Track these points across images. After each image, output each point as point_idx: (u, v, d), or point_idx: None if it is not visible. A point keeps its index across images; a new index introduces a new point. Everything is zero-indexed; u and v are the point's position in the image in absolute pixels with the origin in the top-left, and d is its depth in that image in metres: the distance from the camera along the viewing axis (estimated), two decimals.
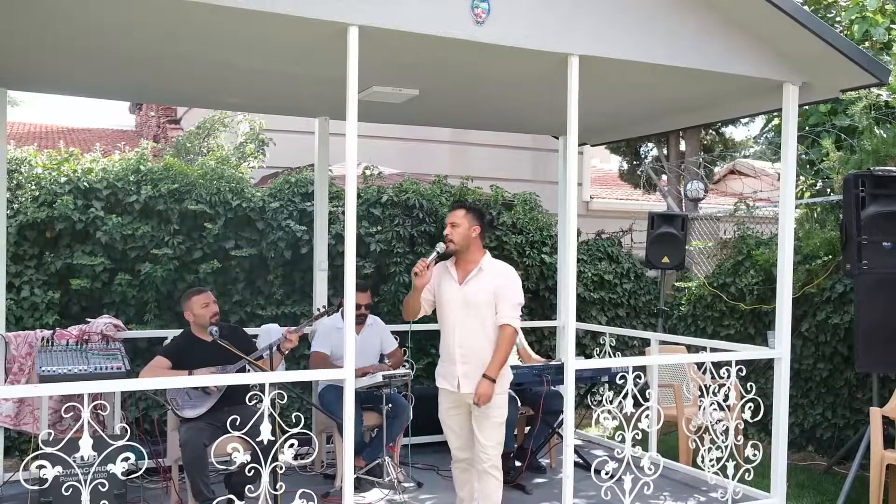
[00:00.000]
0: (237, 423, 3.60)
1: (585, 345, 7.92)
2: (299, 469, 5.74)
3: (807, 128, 7.57)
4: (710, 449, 4.82)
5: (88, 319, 5.44)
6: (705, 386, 4.95)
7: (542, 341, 7.73)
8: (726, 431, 4.85)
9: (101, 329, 5.22)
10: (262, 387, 3.64)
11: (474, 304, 4.12)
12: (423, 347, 7.11)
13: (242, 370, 4.59)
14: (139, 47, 4.18)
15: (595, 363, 5.24)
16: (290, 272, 6.97)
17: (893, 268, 5.40)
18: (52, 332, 5.17)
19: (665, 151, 10.86)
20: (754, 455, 4.87)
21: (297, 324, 6.08)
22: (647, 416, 4.55)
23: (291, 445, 3.68)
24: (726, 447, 4.83)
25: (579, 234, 8.50)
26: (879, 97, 6.51)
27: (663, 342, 6.25)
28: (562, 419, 5.99)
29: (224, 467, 4.47)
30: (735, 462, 4.83)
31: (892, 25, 7.31)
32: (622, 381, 4.54)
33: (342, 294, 5.84)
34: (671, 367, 6.35)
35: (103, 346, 5.07)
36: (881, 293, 5.40)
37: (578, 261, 8.30)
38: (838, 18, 7.66)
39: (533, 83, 4.79)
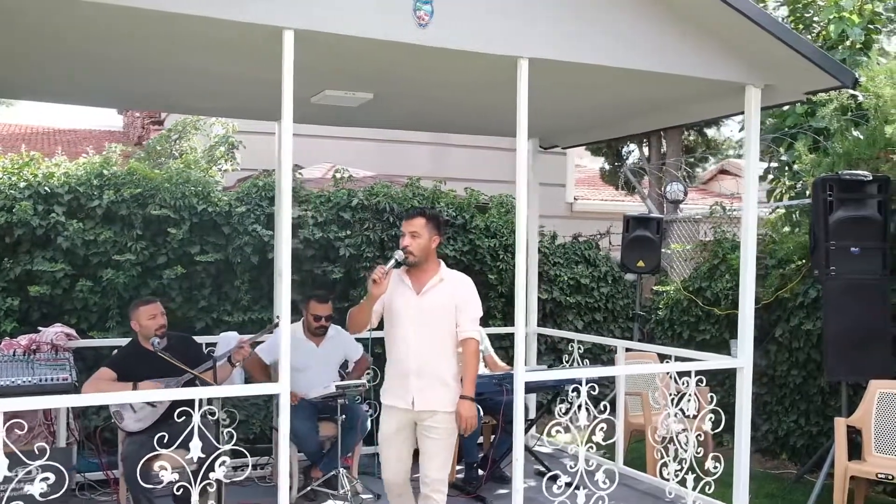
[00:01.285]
0: (164, 441, 3.49)
1: (562, 349, 7.81)
2: (258, 480, 5.66)
3: (786, 129, 7.45)
4: (667, 462, 4.71)
5: (40, 328, 5.34)
6: (671, 395, 4.84)
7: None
8: (692, 442, 4.74)
9: (52, 338, 5.12)
10: (193, 403, 3.53)
11: (432, 315, 3.94)
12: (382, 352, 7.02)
13: (191, 383, 4.49)
14: (81, 50, 4.09)
15: (546, 374, 5.12)
16: (257, 277, 6.86)
17: (861, 273, 5.30)
18: None
19: (646, 152, 10.75)
20: (715, 467, 4.75)
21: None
22: (601, 428, 4.42)
23: (223, 463, 3.56)
24: (686, 459, 4.72)
25: (555, 237, 8.39)
26: (853, 98, 6.38)
27: (630, 349, 6.13)
28: (529, 428, 5.95)
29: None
30: (695, 474, 4.72)
31: (869, 25, 7.19)
32: (575, 392, 4.42)
33: (304, 301, 5.80)
34: (640, 375, 6.24)
35: (52, 357, 4.97)
36: (849, 299, 5.30)
37: (554, 264, 8.20)
38: (816, 18, 7.54)
39: (487, 86, 4.68)
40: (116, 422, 4.49)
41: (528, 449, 5.78)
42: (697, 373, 4.76)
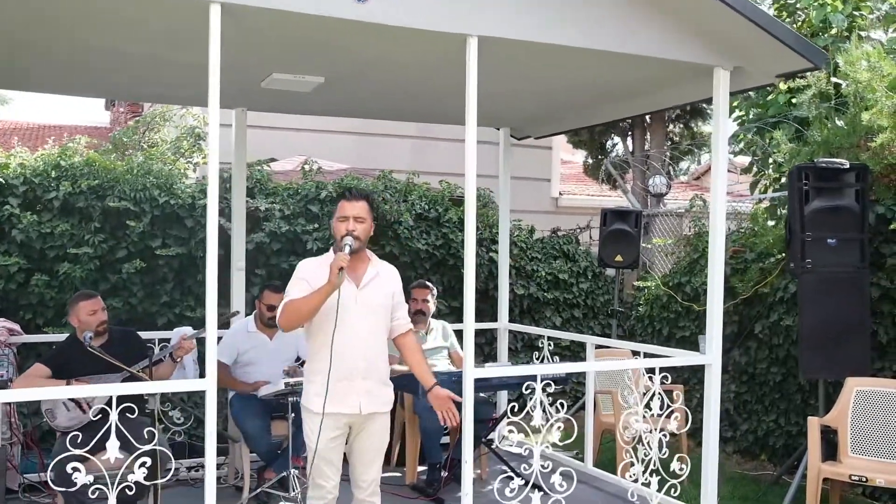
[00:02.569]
0: (78, 440, 3.28)
1: (540, 347, 7.59)
2: None
3: (768, 119, 7.22)
4: (633, 462, 4.50)
5: None
6: (638, 393, 4.63)
7: (492, 343, 7.41)
8: (657, 442, 4.53)
9: None
10: (114, 400, 3.33)
11: (373, 310, 3.62)
12: None
13: (132, 379, 4.28)
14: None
15: (499, 371, 4.89)
16: (221, 272, 6.62)
17: (838, 266, 5.06)
18: None
19: (630, 146, 10.52)
20: (681, 469, 4.53)
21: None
22: (559, 427, 4.21)
23: (143, 465, 3.36)
24: (648, 460, 4.50)
25: (532, 231, 8.18)
26: (836, 87, 6.15)
27: (601, 346, 5.91)
28: (493, 427, 5.74)
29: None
30: (660, 476, 4.50)
31: (854, 12, 6.94)
32: (528, 391, 4.20)
33: (259, 291, 5.60)
34: (610, 373, 6.02)
35: None
36: (825, 294, 5.06)
37: (532, 259, 7.98)
38: (798, 5, 7.30)
39: (441, 68, 4.46)
40: (49, 420, 4.28)
41: (492, 449, 5.58)
42: (662, 370, 4.54)
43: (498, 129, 6.52)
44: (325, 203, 7.03)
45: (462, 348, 5.97)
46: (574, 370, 5.36)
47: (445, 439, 5.68)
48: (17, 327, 5.18)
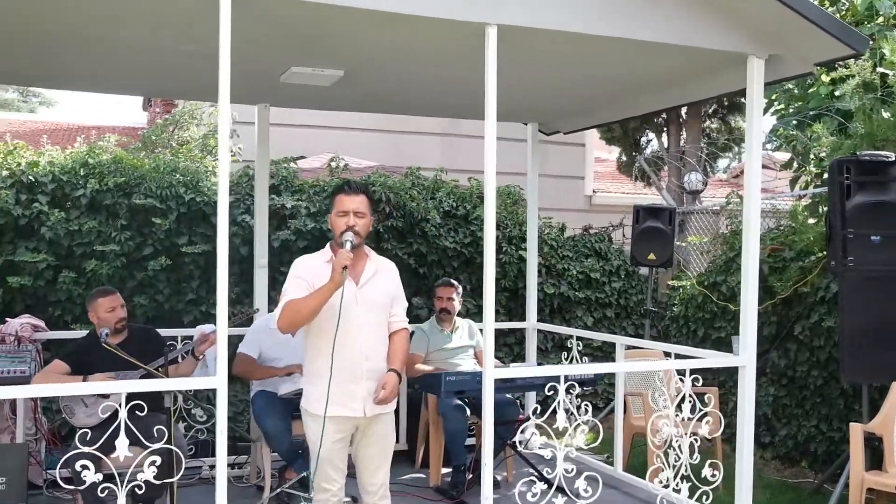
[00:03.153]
0: (88, 437, 3.22)
1: (570, 347, 7.43)
2: (234, 480, 5.39)
3: (809, 112, 6.96)
4: (661, 467, 4.33)
5: (6, 319, 5.15)
6: (668, 396, 4.46)
7: (522, 343, 7.27)
8: (690, 446, 4.35)
9: (16, 330, 4.92)
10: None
11: (374, 308, 3.51)
12: None
13: (149, 377, 4.24)
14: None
15: (521, 372, 4.75)
16: (247, 269, 6.60)
17: (882, 264, 4.82)
18: None
19: (665, 142, 10.26)
20: (713, 475, 4.34)
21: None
22: (582, 431, 4.05)
23: (153, 463, 3.29)
24: (678, 465, 4.32)
25: (563, 229, 8.00)
26: (883, 78, 5.88)
27: (632, 347, 5.73)
28: (518, 429, 5.58)
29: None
30: (690, 483, 4.32)
31: None
32: (552, 392, 4.05)
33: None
34: (642, 375, 5.84)
35: (14, 348, 4.77)
36: (868, 293, 4.82)
37: (563, 257, 7.81)
38: None
39: (461, 60, 4.33)
40: (67, 416, 4.25)
41: (517, 452, 5.43)
42: (695, 371, 4.36)
43: (526, 125, 6.37)
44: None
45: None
46: (601, 371, 5.19)
47: (471, 441, 5.55)
48: (41, 324, 5.18)
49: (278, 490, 4.91)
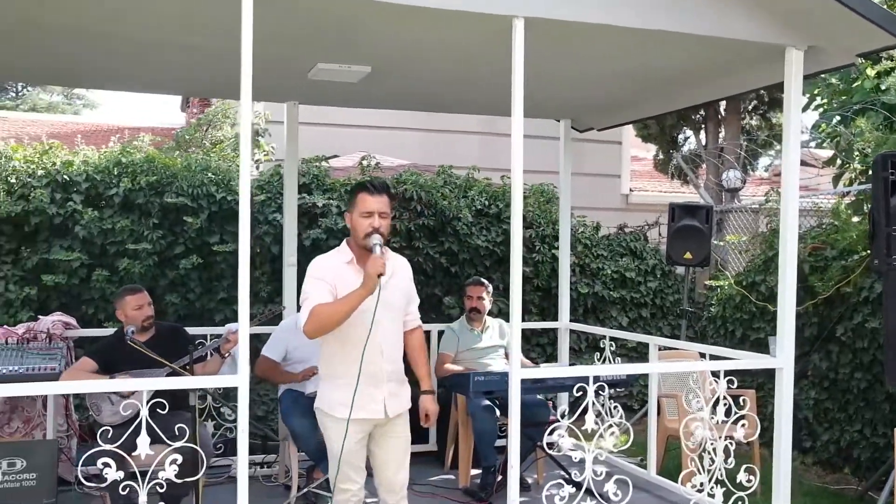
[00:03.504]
0: (108, 436, 3.21)
1: (604, 348, 7.31)
2: (263, 479, 5.39)
3: (852, 106, 6.74)
4: (694, 472, 4.20)
5: (39, 317, 5.20)
6: (700, 398, 4.34)
7: (555, 343, 7.16)
8: (725, 450, 4.23)
9: (48, 327, 4.96)
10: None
11: (394, 309, 3.44)
12: None
13: (175, 374, 4.23)
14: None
15: (549, 372, 4.65)
16: (278, 268, 6.60)
17: None
18: None
19: (703, 138, 10.04)
20: (749, 481, 4.21)
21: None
22: (612, 433, 3.95)
23: (174, 462, 3.27)
24: (712, 469, 4.19)
25: (598, 227, 7.88)
26: None
27: (668, 348, 5.59)
28: (547, 430, 5.48)
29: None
30: (725, 488, 4.19)
31: None
32: (580, 392, 3.95)
33: None
34: (676, 376, 5.70)
35: (45, 346, 4.81)
36: None
37: (597, 257, 7.68)
38: None
39: (489, 55, 4.25)
40: (94, 414, 4.27)
41: (548, 454, 5.33)
42: (731, 373, 4.23)
43: (558, 121, 6.27)
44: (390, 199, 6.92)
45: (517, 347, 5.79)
46: (632, 372, 5.05)
47: (501, 442, 5.46)
48: (73, 321, 5.22)
49: (305, 490, 4.88)
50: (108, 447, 3.19)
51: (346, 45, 4.21)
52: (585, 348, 7.41)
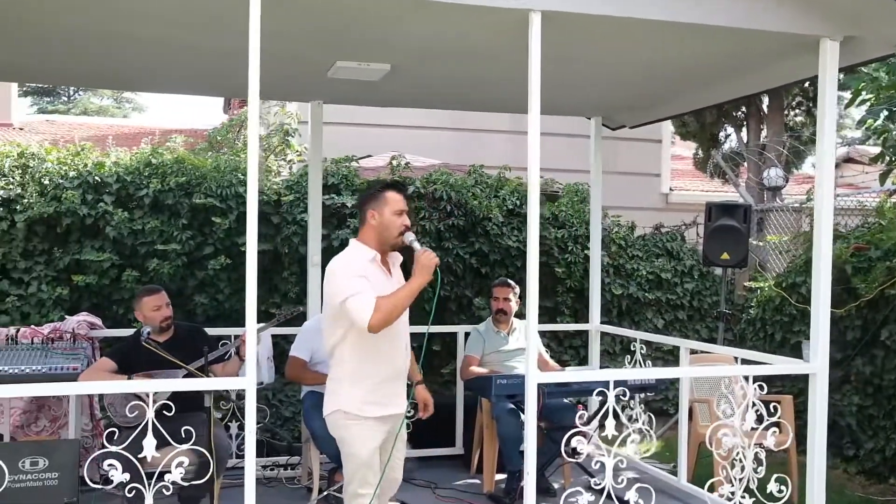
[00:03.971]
0: (115, 437, 3.19)
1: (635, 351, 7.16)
2: (286, 481, 5.36)
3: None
4: (721, 480, 4.04)
5: (66, 317, 5.25)
6: (737, 403, 4.17)
7: (588, 345, 7.02)
8: (751, 459, 4.06)
9: (73, 327, 4.99)
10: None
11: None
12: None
13: (194, 374, 4.22)
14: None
15: (568, 376, 4.52)
16: (307, 269, 6.59)
17: None
18: (16, 330, 4.97)
19: (745, 136, 9.75)
20: (780, 491, 4.03)
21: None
22: (632, 440, 3.81)
23: (180, 464, 3.23)
24: (742, 477, 4.03)
25: (633, 227, 7.70)
26: None
27: (701, 351, 5.41)
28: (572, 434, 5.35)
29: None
30: (754, 498, 4.02)
31: None
32: (601, 396, 3.82)
33: None
34: (709, 381, 5.52)
35: (69, 346, 4.84)
36: None
37: (632, 257, 7.51)
38: None
39: (510, 51, 4.13)
40: (111, 414, 4.27)
41: (567, 460, 5.19)
42: (759, 378, 4.06)
43: (589, 119, 6.12)
44: (412, 199, 6.85)
45: (544, 350, 5.67)
46: (657, 376, 4.90)
47: None
48: (98, 321, 5.25)
49: (325, 493, 4.83)
50: (113, 449, 3.17)
51: (363, 41, 4.14)
52: (620, 351, 7.24)
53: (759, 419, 4.09)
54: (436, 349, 6.75)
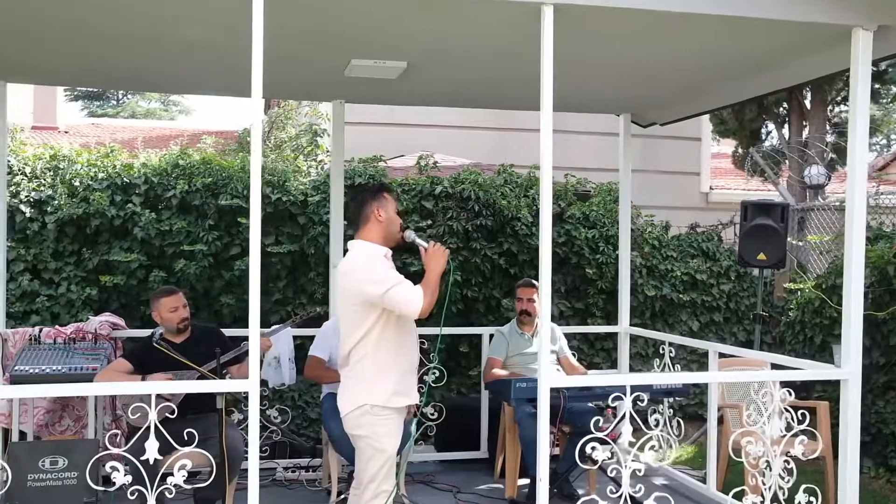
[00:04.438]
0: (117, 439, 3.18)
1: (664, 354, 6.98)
2: (307, 483, 5.32)
3: None
4: (750, 489, 3.88)
5: (89, 317, 5.29)
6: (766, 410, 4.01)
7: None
8: (778, 467, 3.89)
9: (95, 328, 5.03)
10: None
11: None
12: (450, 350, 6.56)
13: (207, 376, 4.21)
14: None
15: (583, 380, 4.38)
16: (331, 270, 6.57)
17: None
18: (39, 329, 5.02)
19: (786, 132, 9.44)
20: (809, 502, 3.85)
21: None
22: (652, 446, 3.68)
23: (183, 466, 3.20)
24: (769, 486, 3.86)
25: (667, 227, 7.51)
26: None
27: (729, 355, 5.22)
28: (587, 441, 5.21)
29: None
30: None
31: None
32: (616, 401, 3.70)
33: None
34: (742, 386, 5.32)
35: (91, 346, 4.87)
36: None
37: (666, 258, 7.32)
38: None
39: (525, 47, 4.02)
40: (124, 415, 4.27)
41: (583, 467, 5.05)
42: (788, 384, 3.89)
43: (618, 116, 5.97)
44: (439, 199, 6.79)
45: (570, 353, 5.53)
46: (681, 381, 4.72)
47: (554, 450, 5.23)
48: (121, 322, 5.29)
49: (344, 496, 4.77)
50: (116, 451, 3.15)
51: (377, 40, 4.09)
52: (652, 353, 7.06)
53: (789, 426, 3.92)
54: (463, 351, 6.67)
